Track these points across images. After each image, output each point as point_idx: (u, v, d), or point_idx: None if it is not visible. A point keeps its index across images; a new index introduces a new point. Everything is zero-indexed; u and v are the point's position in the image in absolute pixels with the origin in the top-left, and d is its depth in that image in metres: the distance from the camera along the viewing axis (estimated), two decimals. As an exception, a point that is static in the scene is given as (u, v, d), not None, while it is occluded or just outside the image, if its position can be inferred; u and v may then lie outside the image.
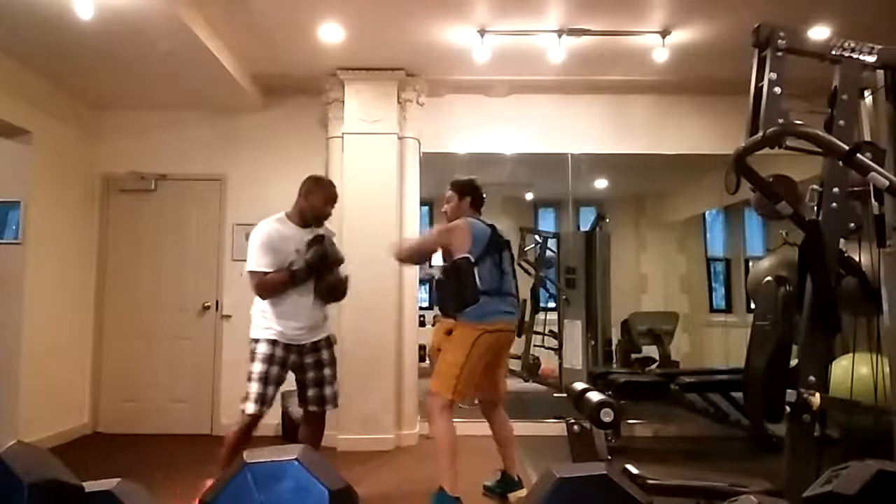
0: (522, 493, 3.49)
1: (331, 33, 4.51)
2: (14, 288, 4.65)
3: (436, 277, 3.48)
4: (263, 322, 3.33)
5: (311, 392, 3.40)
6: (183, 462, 4.49)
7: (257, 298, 3.37)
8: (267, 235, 3.33)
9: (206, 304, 5.51)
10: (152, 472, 4.09)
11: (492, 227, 3.60)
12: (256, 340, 3.32)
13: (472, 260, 3.32)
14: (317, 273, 3.30)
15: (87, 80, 4.97)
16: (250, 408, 3.16)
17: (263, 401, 3.19)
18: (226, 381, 5.45)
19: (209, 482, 0.88)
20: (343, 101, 5.21)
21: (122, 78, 4.93)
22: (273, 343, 3.27)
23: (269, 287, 3.26)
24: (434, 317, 7.70)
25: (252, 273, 3.30)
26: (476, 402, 3.81)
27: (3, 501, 0.74)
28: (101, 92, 5.25)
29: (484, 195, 3.72)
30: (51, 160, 4.98)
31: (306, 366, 3.37)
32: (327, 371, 3.42)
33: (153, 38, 4.09)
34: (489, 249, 3.46)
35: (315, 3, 4.14)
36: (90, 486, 0.84)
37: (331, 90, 5.27)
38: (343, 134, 5.20)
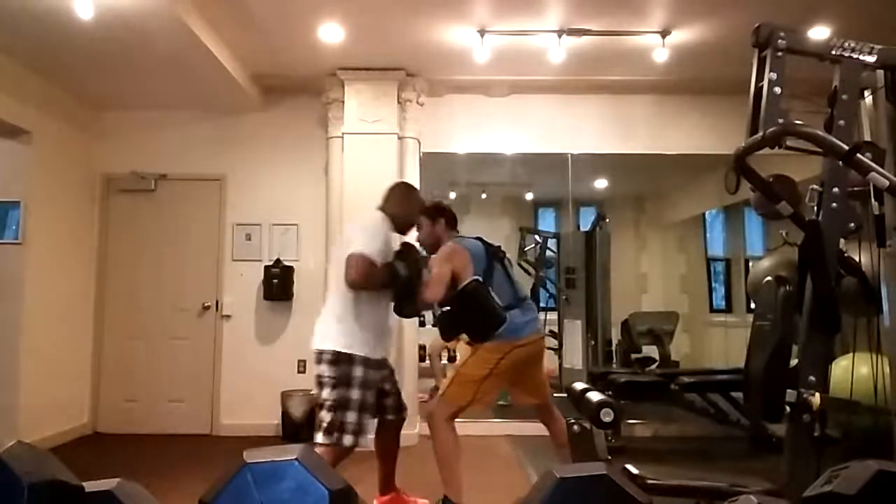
0: None
1: (331, 33, 4.52)
2: (14, 288, 4.65)
3: (441, 309, 3.17)
4: (354, 335, 2.97)
5: (391, 400, 3.24)
6: (183, 462, 4.49)
7: (336, 305, 3.01)
8: (384, 227, 3.09)
9: (206, 304, 5.51)
10: (152, 472, 4.09)
11: (479, 238, 3.51)
12: (350, 358, 2.94)
13: (482, 280, 3.14)
14: (410, 285, 3.06)
15: (87, 80, 4.97)
16: (349, 440, 2.87)
17: (362, 431, 2.93)
18: (226, 381, 5.46)
19: None
20: (343, 101, 5.21)
21: (122, 78, 4.93)
22: (367, 363, 2.97)
23: (373, 277, 2.90)
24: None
25: (359, 257, 2.87)
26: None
27: (3, 501, 0.74)
28: (101, 92, 5.25)
29: (454, 215, 3.55)
30: (51, 160, 4.98)
31: (388, 376, 3.23)
32: (395, 377, 3.33)
33: (153, 38, 4.10)
34: (491, 262, 3.34)
35: (315, 3, 4.15)
36: (90, 486, 0.84)
37: (331, 90, 5.27)
38: (343, 134, 5.20)
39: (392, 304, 3.15)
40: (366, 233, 3.01)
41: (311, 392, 5.25)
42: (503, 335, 3.11)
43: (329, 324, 3.00)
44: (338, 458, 2.85)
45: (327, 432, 2.88)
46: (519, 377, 3.38)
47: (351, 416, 2.89)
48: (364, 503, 3.28)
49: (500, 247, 3.55)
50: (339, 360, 2.93)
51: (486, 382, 3.22)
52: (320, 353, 2.97)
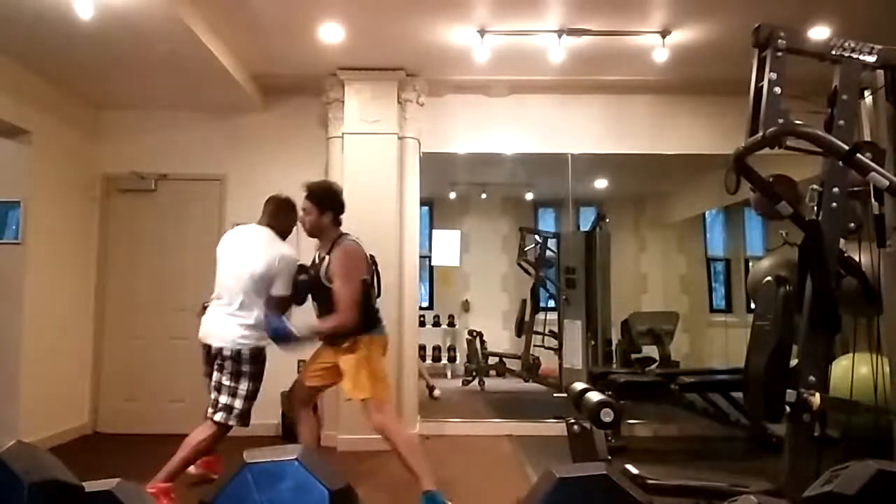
0: None
1: (331, 33, 4.51)
2: (14, 288, 4.65)
3: None
4: (252, 332, 3.38)
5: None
6: (183, 462, 4.48)
7: (245, 303, 3.43)
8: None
9: (206, 305, 5.48)
10: (152, 472, 4.08)
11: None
12: (255, 353, 3.38)
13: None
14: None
15: (87, 80, 4.97)
16: (233, 421, 3.33)
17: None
18: (226, 381, 5.44)
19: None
20: (343, 101, 5.21)
21: (122, 78, 4.93)
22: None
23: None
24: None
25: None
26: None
27: (3, 501, 0.74)
28: (101, 92, 5.25)
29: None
30: (51, 160, 4.98)
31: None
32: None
33: (153, 38, 4.09)
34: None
35: (315, 3, 4.14)
36: (90, 486, 0.84)
37: (331, 90, 5.27)
38: (343, 134, 5.20)
39: None
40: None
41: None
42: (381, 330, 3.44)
43: (237, 325, 3.39)
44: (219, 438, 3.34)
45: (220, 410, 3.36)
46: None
47: (243, 404, 3.37)
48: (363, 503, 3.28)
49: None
50: (250, 355, 3.37)
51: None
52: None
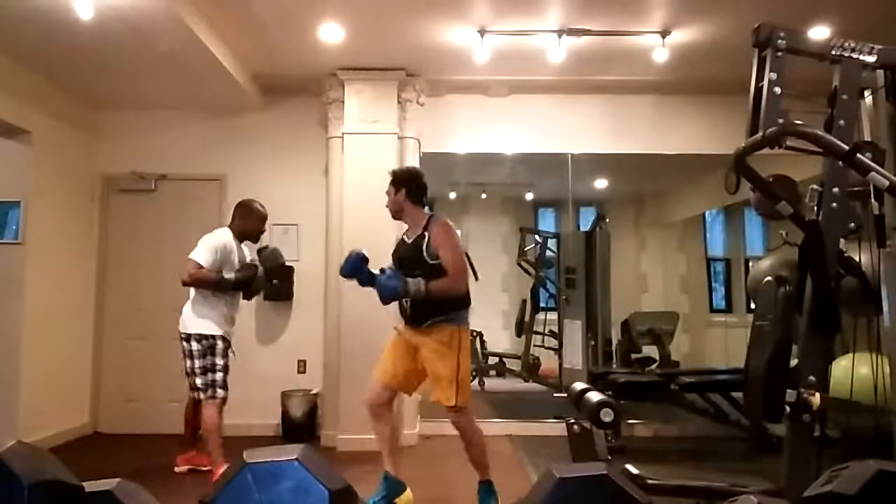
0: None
1: (331, 33, 4.51)
2: (14, 288, 4.65)
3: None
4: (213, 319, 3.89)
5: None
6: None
7: (197, 297, 3.90)
8: (222, 241, 3.92)
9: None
10: (152, 472, 4.09)
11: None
12: (214, 336, 3.87)
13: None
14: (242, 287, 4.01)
15: (87, 80, 4.97)
16: (222, 393, 3.86)
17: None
18: (226, 381, 5.45)
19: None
20: (343, 101, 5.21)
21: (122, 78, 4.93)
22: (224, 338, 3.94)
23: (197, 280, 3.83)
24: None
25: (190, 260, 3.83)
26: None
27: (3, 501, 0.74)
28: (101, 92, 5.25)
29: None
30: (51, 160, 4.98)
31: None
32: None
33: (153, 38, 4.09)
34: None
35: (315, 3, 4.15)
36: (90, 486, 0.84)
37: (331, 90, 5.27)
38: (343, 134, 5.20)
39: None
40: (202, 246, 3.89)
41: (312, 392, 5.27)
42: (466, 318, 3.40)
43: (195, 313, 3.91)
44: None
45: (208, 390, 3.87)
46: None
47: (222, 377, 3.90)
48: (364, 503, 3.28)
49: None
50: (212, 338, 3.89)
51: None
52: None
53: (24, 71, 4.62)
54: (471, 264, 3.43)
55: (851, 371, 2.39)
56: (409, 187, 3.46)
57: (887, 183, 1.89)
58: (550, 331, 7.24)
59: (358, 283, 3.32)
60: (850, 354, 2.58)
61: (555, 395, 6.55)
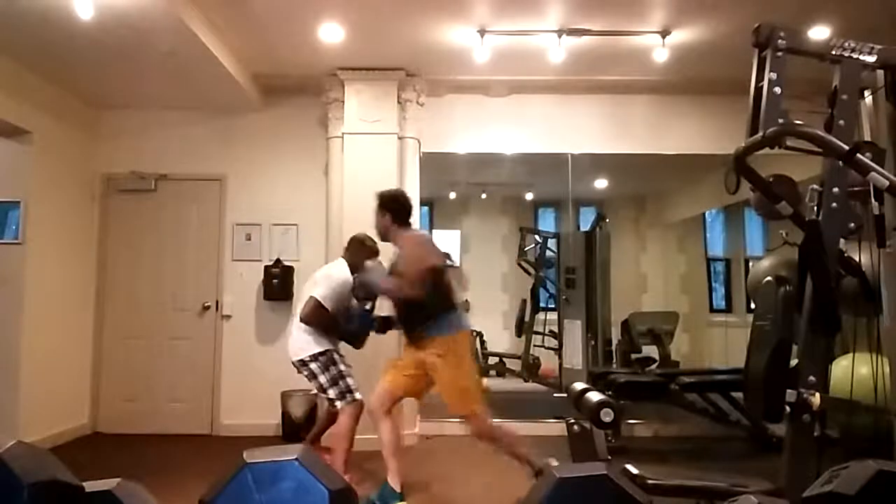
0: None
1: (331, 33, 4.51)
2: (14, 288, 4.65)
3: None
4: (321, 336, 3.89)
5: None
6: (183, 462, 4.48)
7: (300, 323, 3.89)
8: (343, 277, 3.90)
9: (206, 304, 5.51)
10: (152, 472, 4.09)
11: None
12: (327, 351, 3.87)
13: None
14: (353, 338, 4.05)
15: (87, 80, 4.97)
16: (358, 395, 3.83)
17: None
18: (226, 381, 5.45)
19: None
20: (343, 101, 5.21)
21: (122, 78, 4.93)
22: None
23: (319, 325, 3.84)
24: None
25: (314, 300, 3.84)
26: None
27: (3, 501, 0.74)
28: (101, 92, 5.25)
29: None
30: (51, 160, 4.98)
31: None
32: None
33: (153, 38, 4.09)
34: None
35: (315, 3, 4.14)
36: (90, 486, 0.84)
37: (331, 90, 5.27)
38: (343, 134, 5.20)
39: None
40: (328, 283, 3.86)
41: (311, 392, 5.26)
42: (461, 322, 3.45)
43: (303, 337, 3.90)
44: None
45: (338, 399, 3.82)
46: None
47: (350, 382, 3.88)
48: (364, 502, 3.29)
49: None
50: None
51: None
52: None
53: (24, 71, 4.62)
54: (457, 274, 3.56)
55: (851, 371, 2.39)
56: (393, 210, 3.55)
57: (887, 183, 1.89)
58: (550, 331, 7.24)
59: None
60: (850, 354, 2.58)
61: (555, 395, 6.55)
